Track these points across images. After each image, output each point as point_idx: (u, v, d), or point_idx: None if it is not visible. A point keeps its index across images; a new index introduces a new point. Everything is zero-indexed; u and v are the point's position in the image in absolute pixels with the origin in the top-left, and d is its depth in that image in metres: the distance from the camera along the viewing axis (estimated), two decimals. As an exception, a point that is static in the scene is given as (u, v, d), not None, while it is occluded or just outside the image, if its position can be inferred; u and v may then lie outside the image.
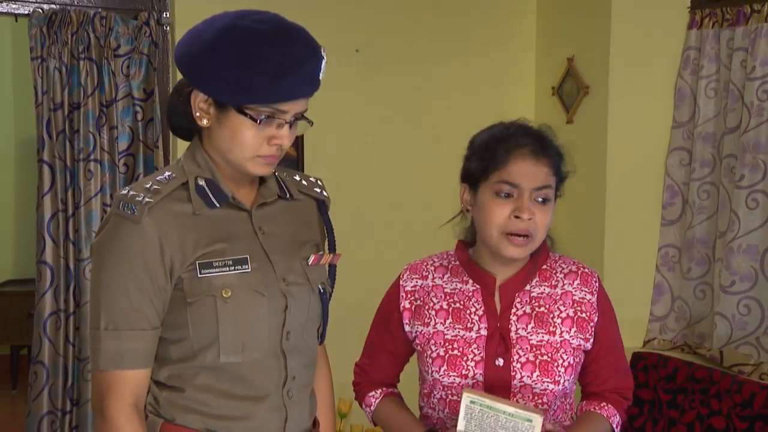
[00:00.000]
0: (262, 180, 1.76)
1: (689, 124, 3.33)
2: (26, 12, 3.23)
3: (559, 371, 1.82)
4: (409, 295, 1.94)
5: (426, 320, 1.90)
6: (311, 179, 1.89)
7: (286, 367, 1.72)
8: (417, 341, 1.92)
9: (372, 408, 2.04)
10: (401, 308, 1.95)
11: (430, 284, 1.93)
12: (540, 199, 1.79)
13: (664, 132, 3.39)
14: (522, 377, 1.81)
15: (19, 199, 5.99)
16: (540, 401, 1.82)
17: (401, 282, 1.97)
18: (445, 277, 1.92)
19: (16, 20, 3.35)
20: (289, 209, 1.80)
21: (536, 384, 1.81)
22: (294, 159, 3.49)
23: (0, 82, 5.91)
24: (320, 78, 1.65)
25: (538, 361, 1.82)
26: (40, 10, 3.19)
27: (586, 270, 1.92)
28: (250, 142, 1.62)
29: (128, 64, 3.28)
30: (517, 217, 1.77)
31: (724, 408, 2.94)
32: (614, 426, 1.93)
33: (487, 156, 1.82)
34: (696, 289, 3.34)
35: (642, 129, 3.40)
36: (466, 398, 1.75)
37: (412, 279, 1.96)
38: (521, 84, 3.80)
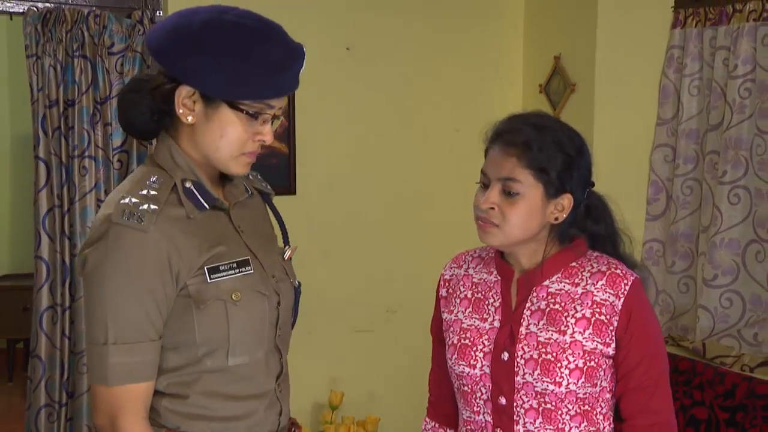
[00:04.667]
0: (227, 179, 1.73)
1: (673, 121, 3.37)
2: (21, 10, 3.23)
3: (562, 373, 1.74)
4: (446, 284, 1.94)
5: (451, 308, 1.90)
6: (254, 173, 1.86)
7: (281, 362, 1.75)
8: (443, 328, 1.92)
9: None
10: (440, 296, 1.95)
11: (462, 273, 1.92)
12: (507, 192, 1.74)
13: (648, 129, 3.42)
14: (524, 374, 1.76)
15: (14, 196, 6.00)
16: (543, 401, 1.77)
17: (443, 271, 1.97)
18: (478, 267, 1.91)
19: (11, 18, 3.34)
20: (252, 206, 1.80)
21: (537, 383, 1.75)
22: (285, 155, 3.52)
23: (-5, 80, 5.95)
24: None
25: (541, 359, 1.75)
26: (34, 9, 3.20)
27: (618, 272, 1.78)
28: (238, 138, 1.60)
29: (122, 62, 3.28)
30: (479, 206, 1.76)
31: (707, 399, 2.98)
32: None
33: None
34: (679, 282, 3.37)
35: (627, 126, 3.43)
36: None
37: (451, 268, 1.95)
38: (509, 81, 3.82)
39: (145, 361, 1.58)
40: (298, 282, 1.82)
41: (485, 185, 1.78)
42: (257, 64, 1.54)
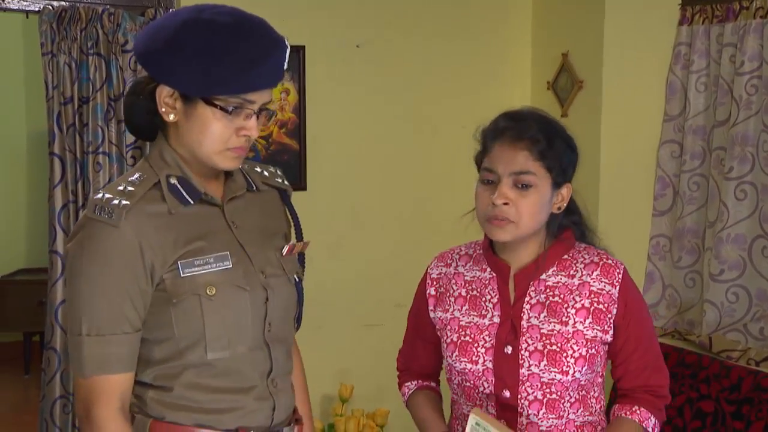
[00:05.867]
0: (227, 174, 1.75)
1: (680, 118, 3.39)
2: (36, 9, 3.26)
3: (568, 362, 1.79)
4: (434, 282, 1.96)
5: (446, 306, 1.92)
6: (271, 170, 1.88)
7: (271, 358, 1.73)
8: (438, 326, 1.94)
9: (405, 398, 2.06)
10: (427, 295, 1.96)
11: (452, 272, 1.94)
12: (520, 185, 1.77)
13: (655, 125, 3.44)
14: (530, 366, 1.80)
15: (30, 192, 6.06)
16: (548, 391, 1.81)
17: (429, 270, 1.99)
18: (468, 265, 1.93)
19: (27, 17, 3.37)
20: (256, 201, 1.79)
21: (543, 373, 1.80)
22: (296, 152, 3.56)
23: (12, 78, 5.97)
24: (284, 68, 1.64)
25: (546, 350, 1.80)
26: (50, 7, 3.23)
27: (609, 261, 1.86)
28: (219, 133, 1.61)
29: (135, 60, 3.27)
30: (493, 203, 1.78)
31: (713, 392, 3.00)
32: (650, 429, 1.87)
33: (481, 145, 1.85)
34: (686, 277, 3.40)
35: (634, 122, 3.45)
36: (473, 419, 1.77)
37: (438, 267, 1.97)
38: (517, 79, 3.85)
39: (119, 353, 1.60)
40: (297, 278, 1.80)
41: (490, 182, 1.80)
42: (228, 60, 1.55)
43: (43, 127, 3.40)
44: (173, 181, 1.65)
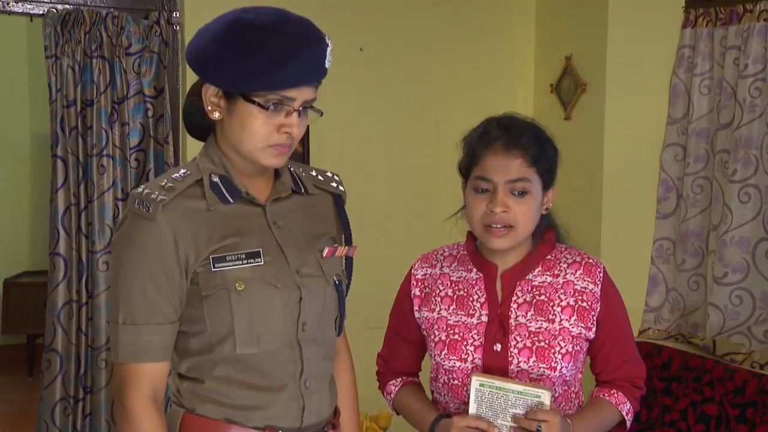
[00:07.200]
0: (277, 175, 1.78)
1: (683, 121, 3.38)
2: (41, 12, 3.29)
3: (556, 358, 1.85)
4: (419, 283, 2.00)
5: (432, 306, 1.96)
6: (328, 174, 1.91)
7: (302, 358, 1.74)
8: (423, 326, 1.98)
9: (392, 396, 2.09)
10: (412, 296, 2.00)
11: (438, 272, 1.99)
12: (516, 192, 1.83)
13: (659, 128, 3.44)
14: (519, 362, 1.85)
15: (34, 194, 6.08)
16: None
17: (413, 271, 2.03)
18: (453, 266, 1.98)
19: (31, 20, 3.41)
20: (304, 204, 1.81)
21: (533, 369, 1.85)
22: (300, 154, 3.56)
23: (16, 80, 6.00)
24: (326, 66, 1.66)
25: (535, 347, 1.86)
26: (54, 10, 3.25)
27: (591, 261, 1.93)
28: (259, 130, 1.63)
29: (139, 63, 3.34)
30: (492, 210, 1.82)
31: (717, 395, 2.99)
32: (624, 413, 1.95)
33: (468, 153, 1.90)
34: (690, 280, 3.39)
35: (638, 125, 3.45)
36: (476, 382, 1.80)
37: (423, 268, 2.02)
38: (521, 81, 3.85)
39: (150, 343, 1.65)
40: (337, 280, 1.81)
41: (484, 191, 1.85)
42: (263, 56, 1.58)
43: (47, 129, 3.41)
44: (215, 179, 1.69)
